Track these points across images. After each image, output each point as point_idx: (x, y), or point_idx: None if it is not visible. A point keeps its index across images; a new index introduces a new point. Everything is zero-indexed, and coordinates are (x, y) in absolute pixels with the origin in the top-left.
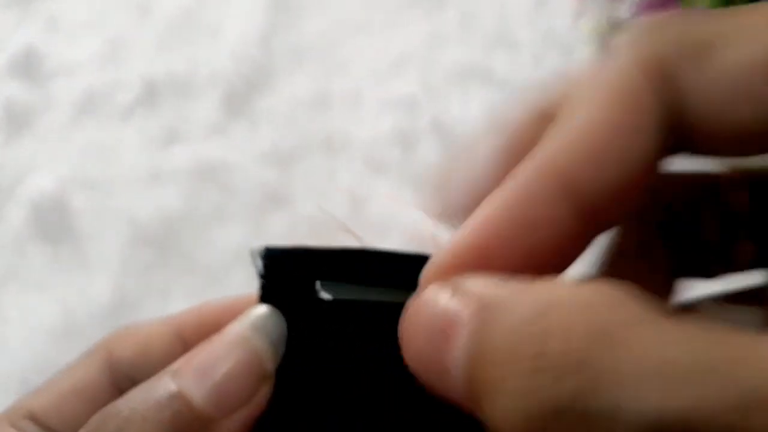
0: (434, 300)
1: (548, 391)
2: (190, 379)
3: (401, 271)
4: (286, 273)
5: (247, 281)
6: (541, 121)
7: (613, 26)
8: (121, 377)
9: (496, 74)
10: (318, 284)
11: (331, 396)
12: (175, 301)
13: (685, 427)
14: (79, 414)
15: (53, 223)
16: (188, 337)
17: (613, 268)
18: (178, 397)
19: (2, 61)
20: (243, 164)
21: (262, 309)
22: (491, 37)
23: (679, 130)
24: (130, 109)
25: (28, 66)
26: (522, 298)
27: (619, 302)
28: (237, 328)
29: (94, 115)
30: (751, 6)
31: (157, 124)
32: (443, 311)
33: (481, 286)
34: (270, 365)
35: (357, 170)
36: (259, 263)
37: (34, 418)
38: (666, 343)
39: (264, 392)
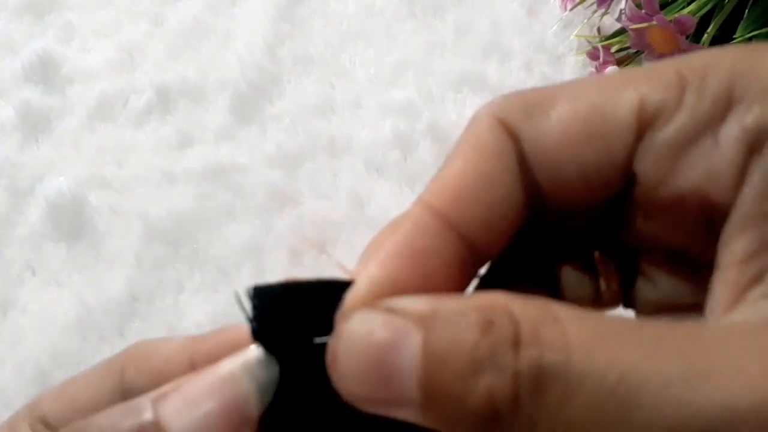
0: (370, 322)
1: (514, 368)
2: (172, 410)
3: None
4: (276, 314)
5: (255, 277)
6: None
7: (601, 35)
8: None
9: (489, 81)
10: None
11: None
12: (186, 296)
13: None
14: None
15: (70, 222)
16: (198, 365)
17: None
18: (155, 426)
19: (19, 67)
20: (251, 166)
21: (256, 351)
22: (485, 46)
23: (528, 183)
24: (143, 114)
25: (45, 72)
26: (464, 304)
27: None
28: (228, 367)
29: (109, 119)
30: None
31: (169, 129)
32: (384, 330)
33: (415, 304)
34: (254, 410)
35: (358, 171)
36: (248, 305)
37: (47, 424)
38: (588, 317)
39: None
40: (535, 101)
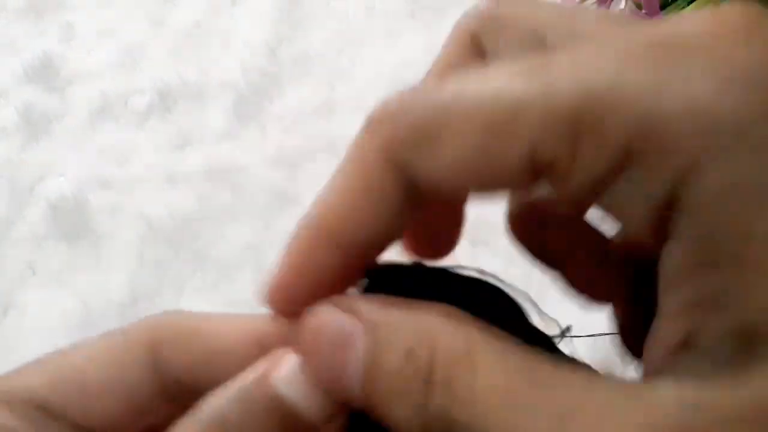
0: (332, 317)
1: (424, 405)
2: (293, 386)
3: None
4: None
5: (256, 277)
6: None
7: None
8: (174, 383)
9: None
10: None
11: None
12: (187, 296)
13: None
14: (114, 414)
15: (71, 222)
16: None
17: None
18: (282, 404)
19: (20, 68)
20: (252, 166)
21: None
22: None
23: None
24: (144, 114)
25: (46, 72)
26: (404, 323)
27: (468, 328)
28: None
29: (110, 119)
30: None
31: (170, 129)
32: (340, 327)
33: (370, 308)
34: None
35: None
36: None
37: (44, 408)
38: (505, 371)
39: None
40: (423, 130)
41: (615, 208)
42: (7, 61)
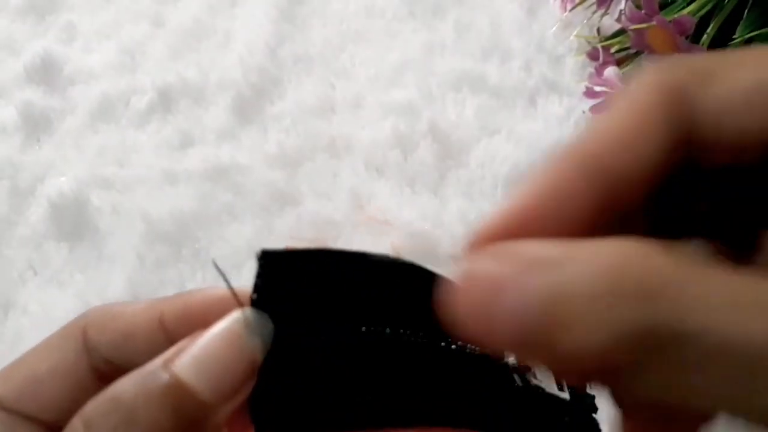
0: (489, 262)
1: (633, 314)
2: (190, 369)
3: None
4: (278, 275)
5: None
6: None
7: (601, 36)
8: (100, 361)
9: (489, 81)
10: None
11: (314, 380)
12: None
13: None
14: (59, 397)
15: (71, 222)
16: (170, 325)
17: None
18: (179, 386)
19: (21, 68)
20: (252, 166)
21: (253, 310)
22: (485, 46)
23: (692, 140)
24: (144, 114)
25: (46, 72)
26: (582, 252)
27: (666, 250)
28: (231, 326)
29: (111, 119)
30: (744, 48)
31: (170, 129)
32: (504, 270)
33: (543, 249)
34: (259, 358)
35: (359, 171)
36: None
37: (1, 406)
38: (728, 281)
39: (252, 382)
40: (707, 68)
41: None
42: (8, 61)
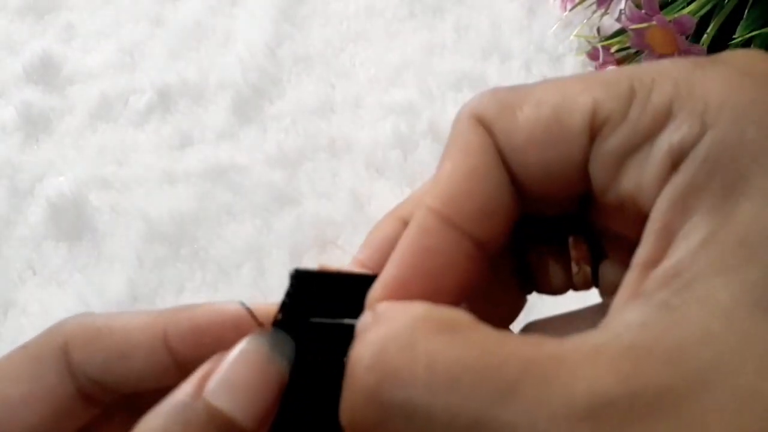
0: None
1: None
2: (225, 396)
3: None
4: (307, 296)
5: (256, 276)
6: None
7: (601, 35)
8: (86, 382)
9: (489, 81)
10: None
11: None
12: (187, 296)
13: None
14: (38, 425)
15: (70, 222)
16: (176, 345)
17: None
18: (218, 416)
19: (20, 67)
20: (252, 166)
21: (276, 330)
22: (485, 46)
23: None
24: (144, 114)
25: (45, 72)
26: (393, 319)
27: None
28: (257, 347)
29: (110, 119)
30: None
31: (170, 129)
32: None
33: (385, 306)
34: (286, 379)
35: (359, 172)
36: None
37: None
38: (454, 346)
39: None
40: (506, 100)
41: (633, 176)
42: (7, 60)
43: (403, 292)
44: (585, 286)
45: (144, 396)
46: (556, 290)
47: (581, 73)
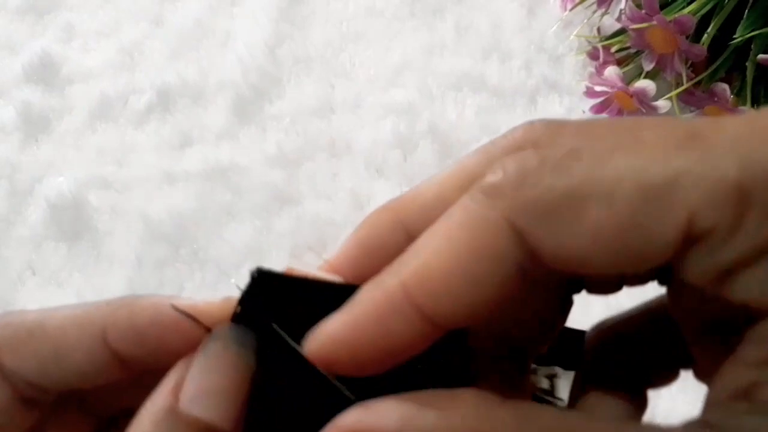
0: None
1: None
2: (203, 404)
3: None
4: (267, 294)
5: None
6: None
7: (601, 35)
8: (22, 385)
9: (489, 81)
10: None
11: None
12: (186, 296)
13: None
14: None
15: (70, 222)
16: (117, 344)
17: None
18: (202, 427)
19: (20, 67)
20: (251, 166)
21: (235, 325)
22: (485, 46)
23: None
24: (143, 114)
25: (45, 72)
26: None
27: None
28: (223, 345)
29: (109, 119)
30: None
31: (169, 129)
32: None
33: (390, 419)
34: (253, 369)
35: (358, 172)
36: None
37: None
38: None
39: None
40: (554, 203)
41: (753, 287)
42: (6, 60)
43: (349, 352)
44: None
45: (91, 391)
46: (609, 288)
47: (661, 137)
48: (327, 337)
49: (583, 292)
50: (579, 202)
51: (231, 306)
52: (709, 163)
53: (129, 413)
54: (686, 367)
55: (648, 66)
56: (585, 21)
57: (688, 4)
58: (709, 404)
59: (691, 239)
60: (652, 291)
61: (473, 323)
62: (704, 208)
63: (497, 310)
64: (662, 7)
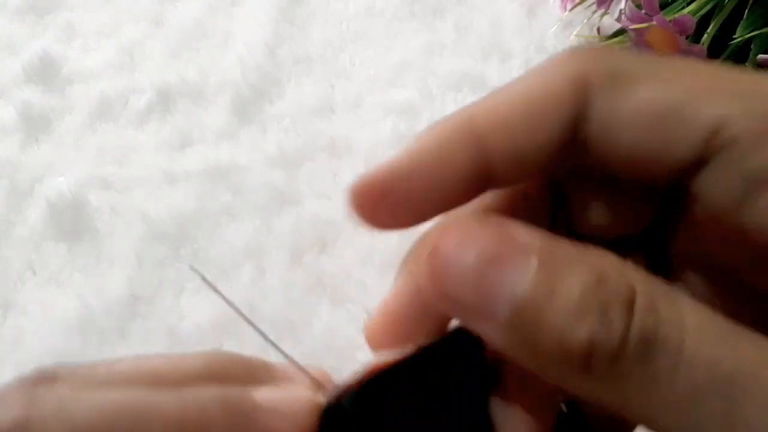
0: (482, 231)
1: (611, 327)
2: None
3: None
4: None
5: (256, 277)
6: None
7: (601, 35)
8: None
9: (489, 81)
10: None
11: None
12: (187, 296)
13: None
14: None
15: (70, 222)
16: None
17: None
18: None
19: (20, 67)
20: (251, 166)
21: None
22: (485, 46)
23: (579, 143)
24: (144, 114)
25: (45, 72)
26: (575, 254)
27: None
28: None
29: (110, 119)
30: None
31: (170, 129)
32: (497, 244)
33: (531, 236)
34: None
35: (359, 172)
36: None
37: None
38: (702, 312)
39: None
40: (620, 72)
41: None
42: (6, 60)
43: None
44: None
45: None
46: (594, 231)
47: (719, 68)
48: (388, 161)
49: None
50: (634, 81)
51: None
52: (753, 85)
53: None
54: None
55: None
56: (585, 21)
57: (688, 4)
58: None
59: (714, 146)
60: None
61: (522, 175)
62: (740, 116)
63: (542, 175)
64: (662, 7)
